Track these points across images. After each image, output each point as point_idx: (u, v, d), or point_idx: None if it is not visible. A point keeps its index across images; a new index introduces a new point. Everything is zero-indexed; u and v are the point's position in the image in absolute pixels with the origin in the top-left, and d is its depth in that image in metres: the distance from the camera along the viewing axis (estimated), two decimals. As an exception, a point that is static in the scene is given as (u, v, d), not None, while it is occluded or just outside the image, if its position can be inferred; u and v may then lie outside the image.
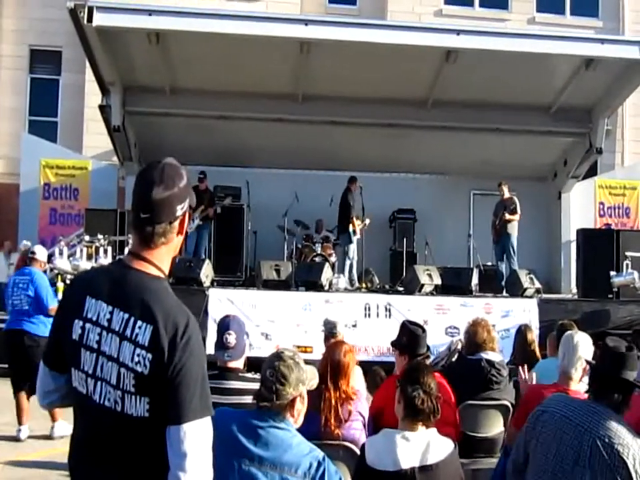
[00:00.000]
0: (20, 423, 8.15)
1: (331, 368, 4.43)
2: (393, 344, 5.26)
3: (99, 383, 2.30)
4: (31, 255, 8.84)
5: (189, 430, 2.21)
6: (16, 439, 8.08)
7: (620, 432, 3.21)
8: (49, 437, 8.11)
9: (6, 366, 8.92)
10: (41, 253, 8.87)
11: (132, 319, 2.28)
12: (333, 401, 4.32)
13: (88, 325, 2.33)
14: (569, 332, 4.84)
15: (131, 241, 12.06)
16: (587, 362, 3.87)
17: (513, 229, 13.99)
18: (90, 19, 11.58)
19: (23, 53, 19.42)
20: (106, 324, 2.31)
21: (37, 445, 7.90)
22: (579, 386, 4.47)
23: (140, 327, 2.26)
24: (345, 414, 4.33)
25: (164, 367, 2.23)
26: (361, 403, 4.55)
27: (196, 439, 2.22)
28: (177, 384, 2.22)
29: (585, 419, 3.26)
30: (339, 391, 4.36)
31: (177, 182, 2.36)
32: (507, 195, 14.20)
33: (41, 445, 7.85)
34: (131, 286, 2.33)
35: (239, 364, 4.35)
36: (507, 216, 13.89)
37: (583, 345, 4.54)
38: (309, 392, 3.22)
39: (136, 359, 2.25)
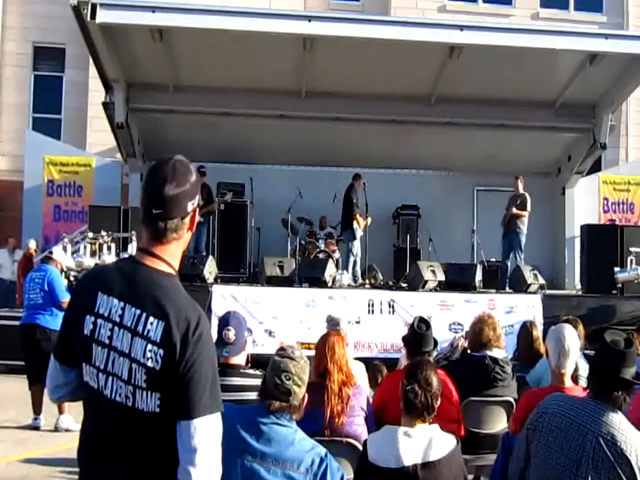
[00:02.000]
0: (37, 413, 8.41)
1: (325, 356, 4.43)
2: (402, 338, 5.40)
3: (110, 378, 2.31)
4: (48, 255, 9.45)
5: (199, 425, 2.22)
6: (34, 427, 8.36)
7: (622, 429, 3.20)
8: (54, 430, 8.25)
9: (9, 362, 8.96)
10: (58, 253, 9.41)
11: (144, 315, 2.29)
12: (336, 386, 4.32)
13: (100, 321, 2.34)
14: (553, 327, 4.72)
15: (135, 238, 12.13)
16: (586, 356, 3.84)
17: (522, 225, 13.88)
18: (93, 16, 11.57)
19: (26, 50, 19.43)
20: (118, 320, 2.32)
21: (40, 441, 7.91)
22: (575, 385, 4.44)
23: (152, 323, 2.27)
24: (345, 399, 4.33)
25: (175, 362, 2.24)
26: (363, 398, 4.54)
27: (206, 434, 2.23)
28: (187, 380, 2.24)
29: (586, 418, 3.24)
30: (339, 376, 4.37)
31: (188, 178, 2.39)
32: (520, 190, 14.08)
33: (44, 442, 7.86)
34: (142, 282, 2.35)
35: (240, 360, 4.35)
36: (514, 210, 13.79)
37: (570, 338, 4.46)
38: (311, 388, 3.23)
39: (147, 354, 2.26)
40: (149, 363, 2.26)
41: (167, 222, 2.36)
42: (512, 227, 13.85)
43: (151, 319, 2.28)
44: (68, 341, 2.44)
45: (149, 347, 2.26)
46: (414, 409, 3.42)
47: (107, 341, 2.32)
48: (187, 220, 2.41)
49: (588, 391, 3.46)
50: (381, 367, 7.14)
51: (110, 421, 2.32)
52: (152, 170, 2.42)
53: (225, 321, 4.36)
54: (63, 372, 2.49)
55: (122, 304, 2.33)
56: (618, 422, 3.22)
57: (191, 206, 2.40)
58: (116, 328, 2.32)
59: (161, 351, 2.25)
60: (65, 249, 12.46)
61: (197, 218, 2.48)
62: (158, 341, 2.26)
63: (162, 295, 2.32)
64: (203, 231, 14.49)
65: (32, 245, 14.69)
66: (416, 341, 5.20)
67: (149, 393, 2.26)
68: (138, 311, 2.31)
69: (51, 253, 9.56)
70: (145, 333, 2.28)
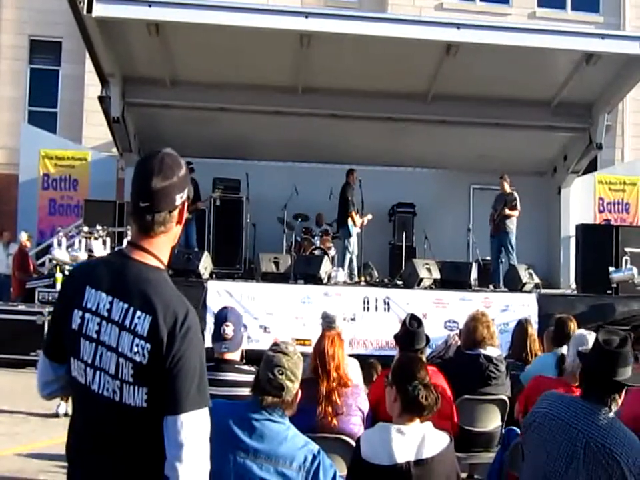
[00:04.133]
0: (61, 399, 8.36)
1: (319, 357, 4.43)
2: (394, 336, 5.40)
3: (97, 372, 2.30)
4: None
5: (186, 420, 2.21)
6: (55, 414, 8.40)
7: (613, 431, 3.17)
8: (54, 415, 8.34)
9: (2, 356, 8.93)
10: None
11: (131, 309, 2.28)
12: (324, 390, 4.31)
13: (87, 315, 2.33)
14: (580, 332, 4.84)
15: (129, 232, 12.13)
16: (579, 354, 3.80)
17: (512, 225, 13.96)
18: (90, 10, 11.55)
19: (22, 43, 19.37)
20: (106, 314, 2.31)
21: (33, 436, 7.90)
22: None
23: (139, 317, 2.26)
24: (340, 402, 4.32)
25: (162, 357, 2.23)
26: (360, 397, 4.53)
27: (193, 429, 2.22)
28: (174, 374, 2.23)
29: (576, 419, 3.21)
30: (330, 379, 4.35)
31: (176, 171, 2.37)
32: (507, 189, 14.14)
33: (37, 436, 7.84)
34: (130, 276, 2.34)
35: (235, 356, 4.35)
36: (507, 211, 13.85)
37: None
38: (305, 384, 3.22)
39: (135, 349, 2.25)
40: (136, 358, 2.25)
41: (154, 215, 2.34)
42: (502, 226, 13.91)
43: (138, 313, 2.27)
44: (57, 336, 2.43)
45: (136, 341, 2.25)
46: (426, 409, 3.39)
47: (94, 336, 2.31)
48: (175, 213, 2.39)
49: (579, 389, 3.43)
50: (376, 365, 7.14)
51: (98, 415, 2.31)
52: (140, 163, 2.41)
53: (223, 317, 4.35)
54: (52, 368, 2.48)
55: (110, 298, 2.32)
56: (609, 423, 3.19)
57: (179, 199, 2.37)
58: (104, 322, 2.31)
59: (148, 345, 2.24)
60: (59, 243, 12.48)
61: (185, 215, 2.45)
62: (145, 335, 2.25)
63: (150, 289, 2.30)
64: (192, 228, 14.43)
65: (23, 237, 14.65)
66: (408, 338, 5.21)
67: (136, 387, 2.25)
68: (126, 305, 2.29)
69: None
70: (132, 327, 2.26)
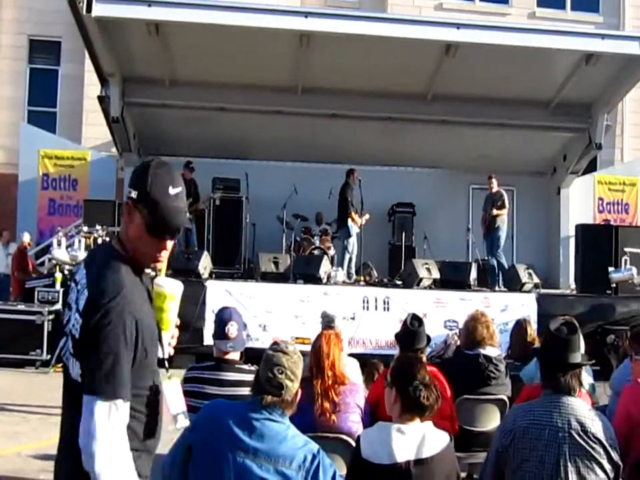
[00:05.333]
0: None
1: (315, 355, 4.44)
2: (394, 335, 5.43)
3: (66, 350, 2.48)
4: None
5: (95, 405, 2.25)
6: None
7: (585, 414, 3.29)
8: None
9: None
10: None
11: (82, 289, 2.44)
12: (319, 388, 4.32)
13: (72, 285, 2.54)
14: None
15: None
16: (533, 349, 3.93)
17: (502, 223, 13.98)
18: (89, 10, 11.55)
19: (22, 43, 19.37)
20: (80, 288, 2.48)
21: (33, 435, 7.89)
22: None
23: (82, 294, 2.40)
24: (337, 399, 4.32)
25: (85, 331, 2.32)
26: (359, 394, 4.53)
27: (101, 418, 2.25)
28: (89, 350, 2.30)
29: (551, 418, 3.28)
30: (325, 377, 4.36)
31: (148, 174, 2.50)
32: (495, 188, 14.15)
33: (37, 436, 7.84)
34: (97, 258, 2.52)
35: (235, 355, 4.36)
36: (495, 211, 13.87)
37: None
38: (303, 383, 3.22)
39: (74, 324, 2.39)
40: (74, 332, 2.38)
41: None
42: (493, 225, 13.92)
43: (85, 291, 2.40)
44: None
45: (76, 316, 2.39)
46: (428, 409, 3.40)
47: (72, 304, 2.49)
48: (126, 205, 2.53)
49: (541, 382, 3.52)
50: (378, 365, 7.13)
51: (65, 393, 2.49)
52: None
53: (227, 316, 4.38)
54: None
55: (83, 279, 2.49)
56: (579, 408, 3.31)
57: (128, 193, 2.52)
58: (73, 294, 2.50)
59: (81, 320, 2.35)
60: (59, 242, 12.46)
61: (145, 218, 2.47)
62: (81, 310, 2.37)
63: (97, 269, 2.43)
64: (193, 229, 14.43)
65: (26, 238, 14.66)
66: (408, 338, 5.21)
67: (74, 360, 2.39)
68: (84, 281, 2.45)
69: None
70: (78, 304, 2.41)
